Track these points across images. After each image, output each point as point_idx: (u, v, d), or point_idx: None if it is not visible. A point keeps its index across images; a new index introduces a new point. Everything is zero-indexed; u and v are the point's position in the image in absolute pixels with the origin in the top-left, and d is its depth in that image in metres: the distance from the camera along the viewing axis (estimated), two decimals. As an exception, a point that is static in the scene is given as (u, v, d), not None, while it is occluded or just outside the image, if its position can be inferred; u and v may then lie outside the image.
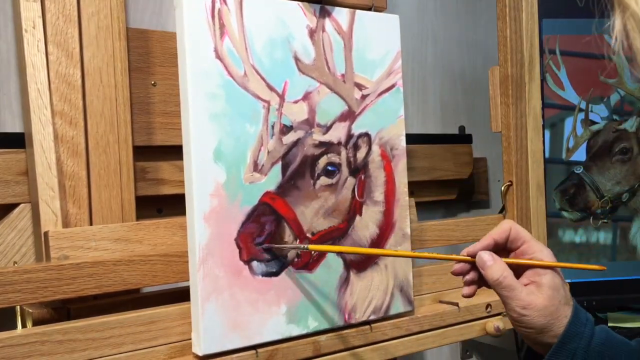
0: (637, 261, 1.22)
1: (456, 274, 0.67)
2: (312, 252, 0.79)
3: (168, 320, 0.73)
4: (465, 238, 1.04)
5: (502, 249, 0.67)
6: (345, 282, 0.84)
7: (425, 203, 1.29)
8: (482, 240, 0.66)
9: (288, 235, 0.79)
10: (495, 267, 0.64)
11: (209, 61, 0.74)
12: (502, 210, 1.12)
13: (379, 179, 0.88)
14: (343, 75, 0.85)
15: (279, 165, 0.79)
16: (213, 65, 0.74)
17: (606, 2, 0.57)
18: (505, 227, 0.66)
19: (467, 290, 0.67)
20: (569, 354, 0.61)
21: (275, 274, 0.78)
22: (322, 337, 0.81)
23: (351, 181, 0.85)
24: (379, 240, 0.87)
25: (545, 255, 0.65)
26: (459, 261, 0.66)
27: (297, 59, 0.81)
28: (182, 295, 0.79)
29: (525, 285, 0.64)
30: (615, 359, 0.62)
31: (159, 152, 0.86)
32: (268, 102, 0.78)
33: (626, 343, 0.64)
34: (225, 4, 0.75)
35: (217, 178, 0.74)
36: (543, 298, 0.62)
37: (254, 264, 0.76)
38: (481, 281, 0.67)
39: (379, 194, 0.88)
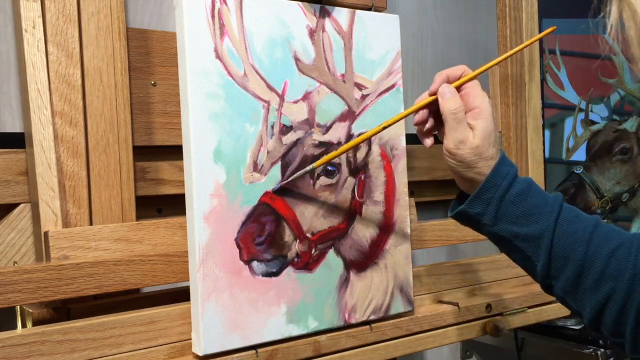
0: (637, 261, 1.22)
1: (418, 123, 0.75)
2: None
3: (168, 320, 0.73)
4: (465, 238, 1.04)
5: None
6: (345, 282, 0.84)
7: (425, 203, 1.29)
8: (437, 78, 0.73)
9: (288, 235, 0.79)
10: (453, 99, 0.71)
11: (209, 61, 0.74)
12: (502, 210, 1.12)
13: (379, 179, 0.88)
14: (343, 75, 0.85)
15: (278, 165, 0.79)
16: (213, 65, 0.74)
17: None
18: (460, 68, 0.73)
19: (429, 141, 0.75)
20: (485, 202, 0.69)
21: (275, 274, 0.78)
22: (322, 337, 0.81)
23: (351, 181, 0.85)
24: (379, 240, 0.87)
25: (485, 104, 0.71)
26: (422, 108, 0.74)
27: (297, 59, 0.81)
28: (182, 295, 0.79)
29: None
30: (530, 209, 0.68)
31: (159, 152, 0.86)
32: (268, 102, 0.78)
33: (544, 195, 0.69)
34: (225, 3, 0.75)
35: (217, 178, 0.74)
36: (478, 139, 0.69)
37: (254, 264, 0.76)
38: (437, 124, 0.74)
39: (379, 194, 0.88)
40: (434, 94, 0.73)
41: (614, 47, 1.22)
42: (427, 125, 0.75)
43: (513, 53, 0.78)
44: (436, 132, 0.76)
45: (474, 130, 0.70)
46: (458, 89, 0.72)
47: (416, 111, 0.75)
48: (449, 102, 0.71)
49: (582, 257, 0.66)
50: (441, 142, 0.73)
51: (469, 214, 0.70)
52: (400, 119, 0.77)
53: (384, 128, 0.76)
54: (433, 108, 0.74)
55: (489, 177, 0.69)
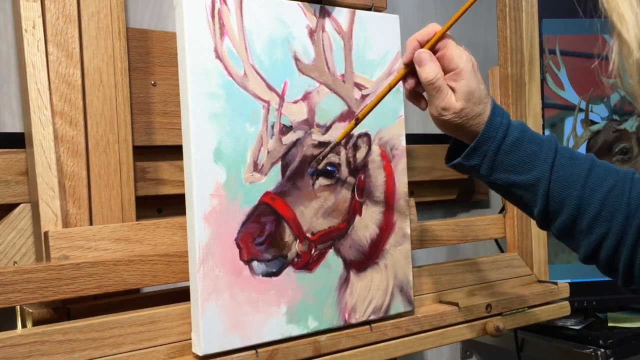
0: (637, 261, 1.22)
1: (409, 95, 0.75)
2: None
3: (168, 320, 0.73)
4: (465, 238, 1.04)
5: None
6: (345, 282, 0.84)
7: (425, 203, 1.29)
8: (408, 43, 0.72)
9: (288, 235, 0.79)
10: (431, 66, 0.70)
11: (209, 61, 0.74)
12: (502, 210, 1.12)
13: (378, 179, 0.88)
14: (343, 75, 0.85)
15: (278, 165, 0.79)
16: (213, 65, 0.74)
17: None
18: (430, 29, 0.71)
19: (423, 104, 0.74)
20: (480, 155, 0.69)
21: (275, 274, 0.78)
22: (322, 337, 0.81)
23: (351, 181, 0.85)
24: (379, 240, 0.87)
25: (463, 62, 0.70)
26: (397, 82, 0.74)
27: (296, 59, 0.81)
28: (182, 295, 0.79)
29: None
30: (526, 157, 0.69)
31: (159, 152, 0.86)
32: (268, 102, 0.78)
33: (538, 140, 0.70)
34: (225, 4, 0.75)
35: (217, 178, 0.74)
36: (461, 102, 0.69)
37: (254, 264, 0.76)
38: (418, 86, 0.73)
39: (379, 194, 0.88)
40: (408, 64, 0.72)
41: (614, 47, 1.22)
42: (412, 87, 0.74)
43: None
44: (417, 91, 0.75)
45: (456, 93, 0.69)
46: (433, 50, 0.71)
47: (393, 86, 0.75)
48: (425, 71, 0.70)
49: (577, 201, 0.67)
50: None
51: (466, 166, 0.72)
52: (383, 96, 0.77)
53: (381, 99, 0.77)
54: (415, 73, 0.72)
55: (482, 132, 0.69)
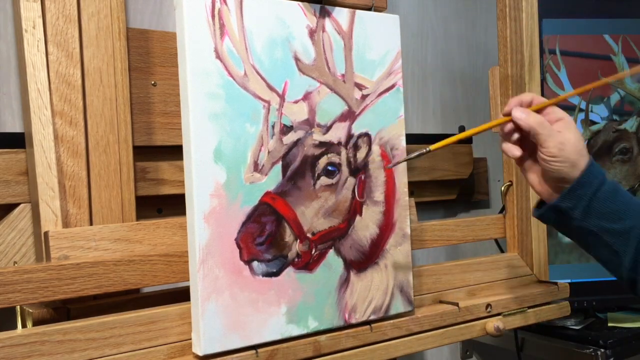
0: (637, 261, 1.22)
1: (506, 136, 0.77)
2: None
3: (168, 320, 0.73)
4: (465, 238, 1.04)
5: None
6: (345, 282, 0.84)
7: (425, 203, 1.29)
8: (512, 100, 0.77)
9: (288, 235, 0.79)
10: (532, 115, 0.75)
11: (209, 61, 0.74)
12: (502, 210, 1.12)
13: (379, 179, 0.88)
14: (343, 75, 0.85)
15: (279, 165, 0.79)
16: (213, 65, 0.74)
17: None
18: (529, 94, 0.78)
19: (517, 151, 0.77)
20: (577, 197, 0.73)
21: (276, 274, 0.78)
22: (322, 337, 0.81)
23: (351, 181, 0.85)
24: (379, 240, 0.87)
25: (567, 115, 0.76)
26: (500, 124, 0.78)
27: (297, 59, 0.81)
28: (182, 295, 0.79)
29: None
30: (620, 206, 0.73)
31: (159, 152, 0.86)
32: (268, 102, 0.78)
33: (631, 196, 0.75)
34: (225, 4, 0.75)
35: (217, 178, 0.74)
36: (574, 138, 0.74)
37: (254, 264, 0.76)
38: (523, 139, 0.77)
39: (379, 194, 0.88)
40: (508, 114, 0.77)
41: (613, 47, 1.22)
42: (514, 137, 0.77)
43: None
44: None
45: (568, 133, 0.74)
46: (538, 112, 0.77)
47: (489, 128, 0.79)
48: (532, 116, 0.75)
49: None
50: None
51: (560, 208, 0.74)
52: (472, 134, 0.82)
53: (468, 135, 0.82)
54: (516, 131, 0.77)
55: (582, 175, 0.73)
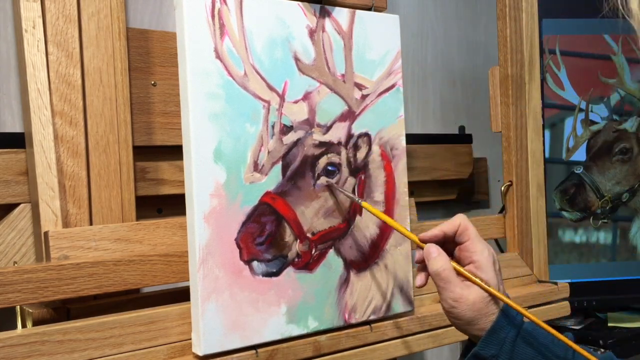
0: (637, 261, 1.22)
1: (419, 263, 0.73)
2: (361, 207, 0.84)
3: (168, 320, 0.73)
4: (465, 238, 1.04)
5: (451, 241, 0.72)
6: (345, 282, 0.84)
7: (425, 203, 1.29)
8: (432, 230, 0.72)
9: (288, 235, 0.79)
10: (438, 259, 0.69)
11: (209, 61, 0.74)
12: (502, 210, 1.12)
13: (379, 179, 0.88)
14: (343, 75, 0.85)
15: (279, 165, 0.79)
16: (213, 65, 0.74)
17: None
18: (455, 222, 0.71)
19: (419, 280, 0.73)
20: (499, 343, 0.66)
21: (276, 274, 0.78)
22: (322, 337, 0.81)
23: (351, 181, 0.85)
24: (379, 240, 0.87)
25: (484, 257, 0.69)
26: (417, 245, 0.72)
27: (297, 59, 0.81)
28: (182, 295, 0.79)
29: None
30: (545, 345, 0.66)
31: (159, 152, 0.86)
32: (268, 102, 0.78)
33: (552, 336, 0.67)
34: (225, 4, 0.75)
35: (217, 178, 0.74)
36: (474, 295, 0.67)
37: (254, 264, 0.76)
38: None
39: (379, 194, 0.88)
40: (424, 241, 0.72)
41: (613, 47, 1.22)
42: (422, 265, 0.73)
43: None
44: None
45: (470, 288, 0.67)
46: (457, 242, 0.71)
47: (411, 238, 0.75)
48: (435, 262, 0.69)
49: None
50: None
51: (483, 357, 0.67)
52: (394, 227, 0.79)
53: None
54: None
55: (499, 317, 0.67)
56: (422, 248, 0.72)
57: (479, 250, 0.69)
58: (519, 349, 0.66)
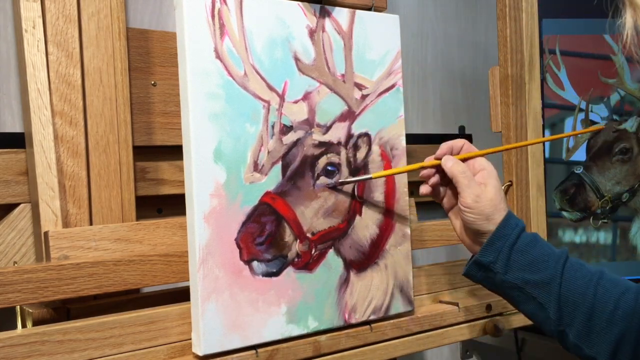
0: (637, 261, 1.22)
1: (424, 177, 0.81)
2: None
3: (168, 320, 0.73)
4: (465, 238, 1.04)
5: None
6: (345, 282, 0.84)
7: (425, 203, 1.29)
8: (443, 145, 0.80)
9: (288, 235, 0.79)
10: (460, 163, 0.77)
11: (209, 61, 0.74)
12: (502, 210, 1.12)
13: (379, 179, 0.88)
14: (343, 75, 0.85)
15: (279, 165, 0.79)
16: (213, 65, 0.74)
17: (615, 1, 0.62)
18: (461, 140, 0.80)
19: (424, 188, 0.81)
20: (496, 251, 0.73)
21: (276, 274, 0.78)
22: (322, 337, 0.81)
23: (351, 181, 0.85)
24: (379, 240, 0.87)
25: (491, 168, 0.78)
26: (428, 167, 0.80)
27: (297, 59, 0.81)
28: (182, 295, 0.79)
29: None
30: (539, 257, 0.73)
31: (159, 152, 0.86)
32: (268, 102, 0.78)
33: (550, 246, 0.75)
34: (225, 4, 0.75)
35: (217, 178, 0.74)
36: (491, 192, 0.75)
37: (254, 264, 0.76)
38: (442, 181, 0.80)
39: (379, 194, 0.88)
40: (438, 159, 0.79)
41: (613, 47, 1.22)
42: (431, 180, 0.80)
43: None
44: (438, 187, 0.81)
45: (486, 187, 0.75)
46: (462, 160, 0.79)
47: (419, 169, 0.81)
48: (456, 165, 0.76)
49: (591, 300, 0.69)
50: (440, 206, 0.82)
51: (482, 263, 0.74)
52: (405, 171, 0.85)
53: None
54: (440, 174, 0.80)
55: (498, 228, 0.73)
56: (433, 167, 0.80)
57: (484, 161, 0.79)
58: (514, 256, 0.73)
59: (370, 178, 0.84)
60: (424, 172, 0.80)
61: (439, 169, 0.79)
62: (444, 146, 0.79)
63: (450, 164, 0.77)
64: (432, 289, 0.98)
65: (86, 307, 0.76)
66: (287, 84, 0.80)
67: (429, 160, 0.80)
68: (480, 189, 0.75)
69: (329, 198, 0.83)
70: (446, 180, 0.79)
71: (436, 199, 0.82)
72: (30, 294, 0.67)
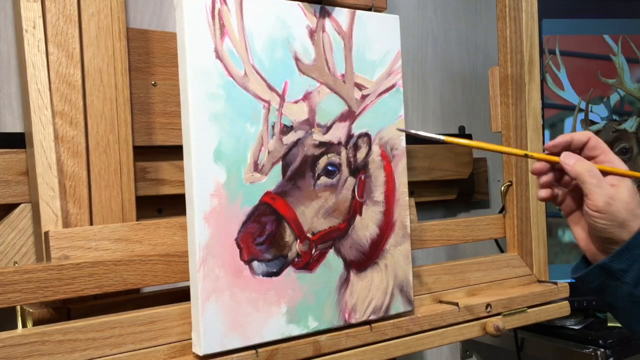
0: (637, 261, 1.22)
1: (536, 173, 0.70)
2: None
3: (168, 320, 0.73)
4: (465, 238, 1.04)
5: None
6: (345, 282, 0.84)
7: (425, 203, 1.29)
8: (560, 137, 0.68)
9: (288, 235, 0.79)
10: (584, 161, 0.66)
11: (209, 61, 0.74)
12: (502, 210, 1.12)
13: (379, 179, 0.88)
14: (343, 75, 0.85)
15: (279, 166, 0.79)
16: (213, 65, 0.74)
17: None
18: (586, 133, 0.68)
19: (543, 192, 0.70)
20: (630, 259, 0.63)
21: (276, 274, 0.78)
22: (322, 337, 0.81)
23: (351, 181, 0.85)
24: (379, 240, 0.87)
25: (624, 166, 0.67)
26: (535, 158, 0.69)
27: (297, 59, 0.81)
28: (182, 295, 0.79)
29: None
30: None
31: (159, 152, 0.86)
32: (268, 102, 0.78)
33: None
34: (225, 4, 0.75)
35: (218, 178, 0.74)
36: (626, 193, 0.64)
37: (255, 264, 0.76)
38: (558, 182, 0.70)
39: (379, 194, 0.88)
40: (549, 149, 0.69)
41: (613, 47, 1.22)
42: (544, 178, 0.70)
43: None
44: (560, 196, 0.72)
45: (619, 188, 0.65)
46: (590, 157, 0.68)
47: (523, 156, 0.72)
48: (582, 163, 0.66)
49: None
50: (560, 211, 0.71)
51: (610, 269, 0.65)
52: (500, 151, 0.76)
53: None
54: (557, 173, 0.70)
55: (636, 235, 0.64)
56: (547, 161, 0.69)
57: (615, 160, 0.68)
58: None
59: (444, 142, 0.73)
60: (537, 165, 0.70)
61: (554, 165, 0.69)
62: (560, 139, 0.68)
63: (573, 162, 0.66)
64: (432, 289, 0.98)
65: (86, 307, 0.76)
66: (288, 84, 0.80)
67: (546, 147, 0.69)
68: (614, 190, 0.64)
69: (329, 198, 0.83)
70: (561, 180, 0.70)
71: (554, 202, 0.71)
72: (31, 294, 0.67)
